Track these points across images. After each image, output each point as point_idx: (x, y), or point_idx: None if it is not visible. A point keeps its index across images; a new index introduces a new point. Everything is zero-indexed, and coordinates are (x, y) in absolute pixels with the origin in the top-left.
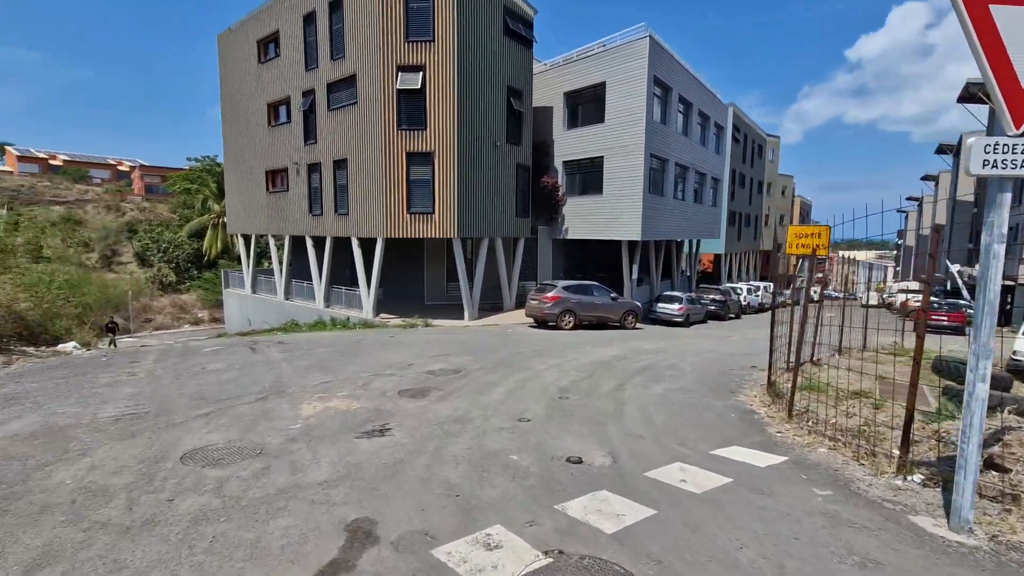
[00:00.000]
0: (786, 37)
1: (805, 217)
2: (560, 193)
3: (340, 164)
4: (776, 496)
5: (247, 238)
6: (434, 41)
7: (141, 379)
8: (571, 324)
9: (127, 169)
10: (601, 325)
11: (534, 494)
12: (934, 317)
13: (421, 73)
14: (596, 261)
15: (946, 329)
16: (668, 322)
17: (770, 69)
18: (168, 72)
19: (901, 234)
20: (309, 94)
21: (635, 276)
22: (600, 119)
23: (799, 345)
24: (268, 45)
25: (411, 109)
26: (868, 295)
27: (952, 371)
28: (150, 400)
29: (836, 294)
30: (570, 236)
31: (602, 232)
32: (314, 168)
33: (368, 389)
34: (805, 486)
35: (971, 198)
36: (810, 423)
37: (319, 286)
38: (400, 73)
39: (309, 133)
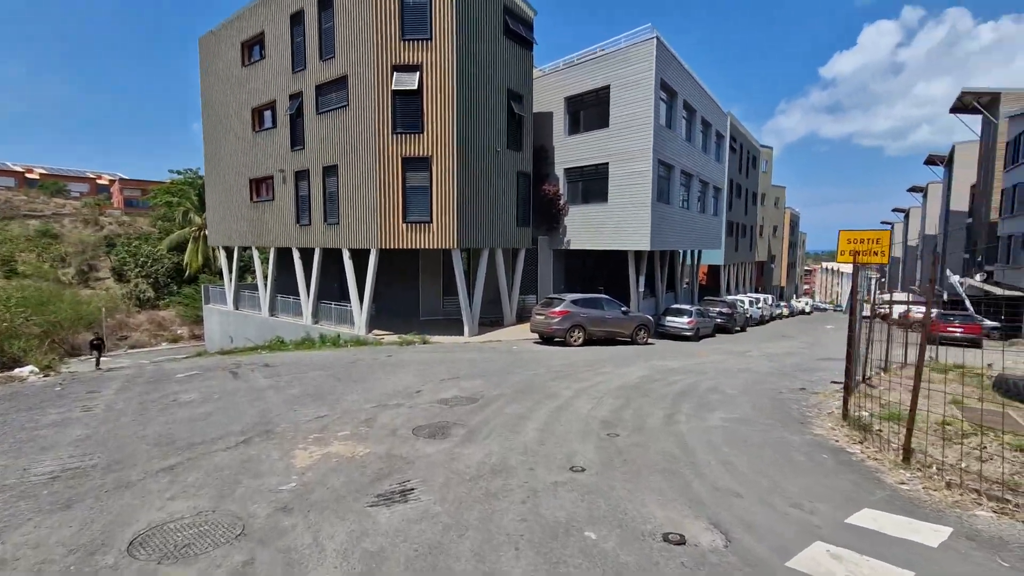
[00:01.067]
0: (763, 55)
1: (794, 228)
2: (562, 202)
3: (330, 171)
4: None
5: (229, 251)
6: (431, 40)
7: (97, 415)
8: (580, 340)
9: (107, 183)
10: (610, 340)
11: None
12: (948, 329)
13: (418, 73)
14: (597, 273)
15: (962, 342)
16: (677, 336)
17: (748, 86)
18: (150, 86)
19: None
20: (296, 97)
21: (642, 288)
22: (604, 124)
23: (860, 363)
24: (252, 47)
25: (407, 112)
26: (863, 306)
27: (1019, 390)
28: (102, 446)
29: (824, 305)
30: (573, 247)
31: (608, 242)
32: (302, 175)
33: (375, 426)
34: None
35: (965, 208)
36: (935, 469)
37: (307, 301)
38: (395, 73)
39: (296, 138)
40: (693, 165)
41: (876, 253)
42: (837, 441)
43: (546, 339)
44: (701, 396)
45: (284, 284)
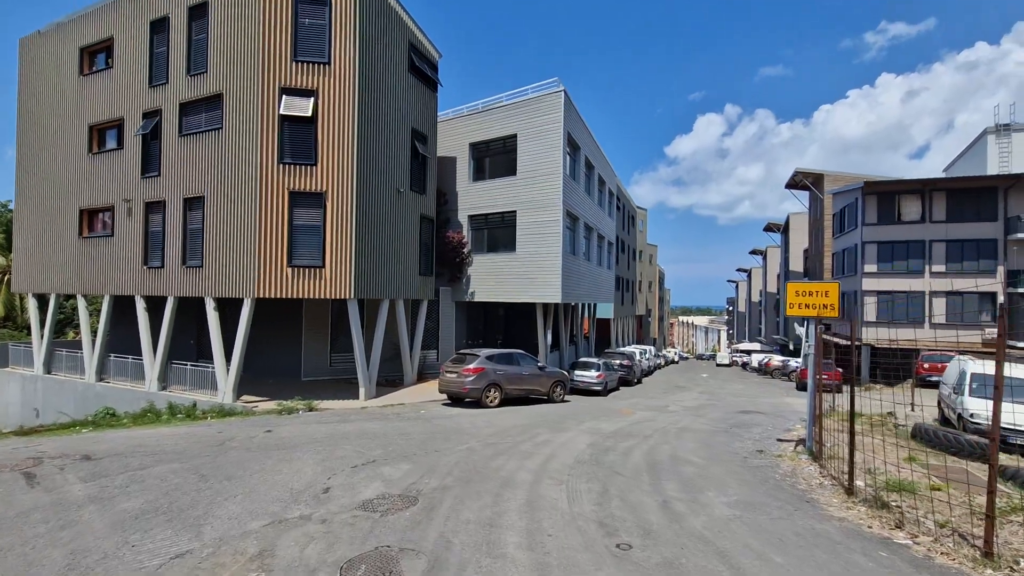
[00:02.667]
0: (620, 131)
1: (661, 284)
2: (466, 250)
3: (194, 203)
4: None
5: (43, 298)
6: (330, 64)
7: None
8: (497, 400)
9: None
10: (525, 399)
11: None
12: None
13: (312, 99)
14: (498, 326)
15: (827, 388)
16: (587, 391)
17: (609, 156)
18: None
19: (731, 301)
20: (153, 115)
21: (549, 341)
22: (512, 172)
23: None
24: (96, 54)
25: (298, 140)
26: (719, 355)
27: (937, 439)
28: None
29: (686, 355)
30: (478, 298)
31: (516, 294)
32: (155, 207)
33: (274, 571)
34: None
35: (801, 268)
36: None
37: (152, 362)
38: (285, 96)
39: (150, 163)
40: (593, 218)
41: (826, 306)
42: (871, 528)
43: (455, 400)
44: (673, 469)
45: (120, 341)
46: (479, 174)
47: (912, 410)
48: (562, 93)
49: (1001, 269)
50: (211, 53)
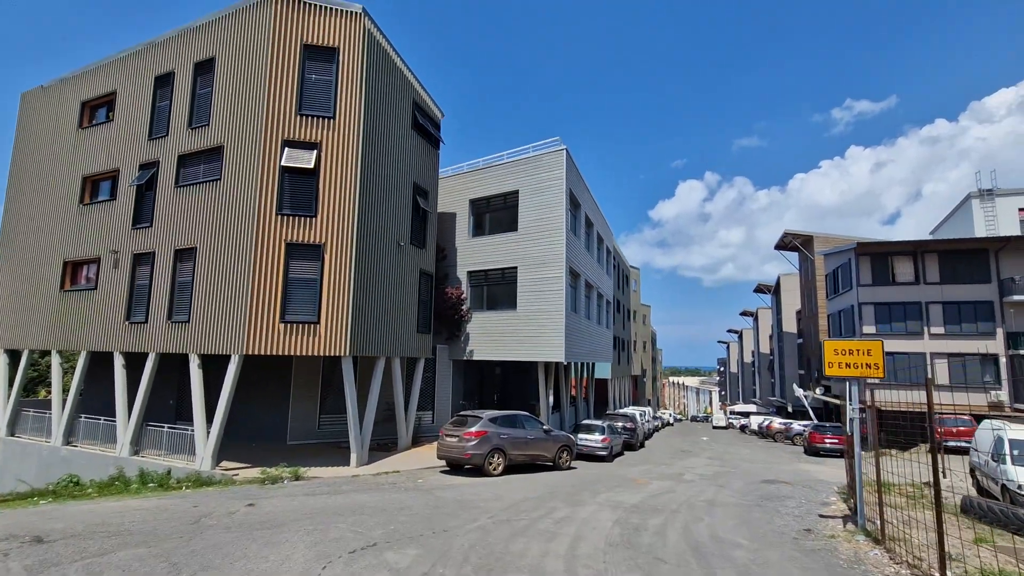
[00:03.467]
0: (607, 196)
1: (654, 344)
2: (465, 307)
3: (185, 255)
4: None
5: (15, 355)
6: (335, 118)
7: None
8: (501, 467)
9: None
10: (530, 465)
11: None
12: (827, 440)
13: (315, 152)
14: (495, 385)
15: (834, 452)
16: (591, 456)
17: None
18: None
19: (722, 362)
20: (150, 167)
21: (551, 402)
22: (512, 228)
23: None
24: (98, 108)
25: (298, 192)
26: (715, 416)
27: (992, 513)
28: None
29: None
30: (477, 356)
31: (517, 352)
32: (143, 259)
33: None
34: None
35: (794, 330)
36: None
37: (126, 424)
38: (287, 149)
39: (143, 214)
40: (593, 276)
41: (869, 366)
42: None
43: (456, 467)
44: (721, 554)
45: (92, 401)
46: (479, 230)
47: (944, 477)
48: (564, 151)
49: (1000, 331)
50: (214, 106)
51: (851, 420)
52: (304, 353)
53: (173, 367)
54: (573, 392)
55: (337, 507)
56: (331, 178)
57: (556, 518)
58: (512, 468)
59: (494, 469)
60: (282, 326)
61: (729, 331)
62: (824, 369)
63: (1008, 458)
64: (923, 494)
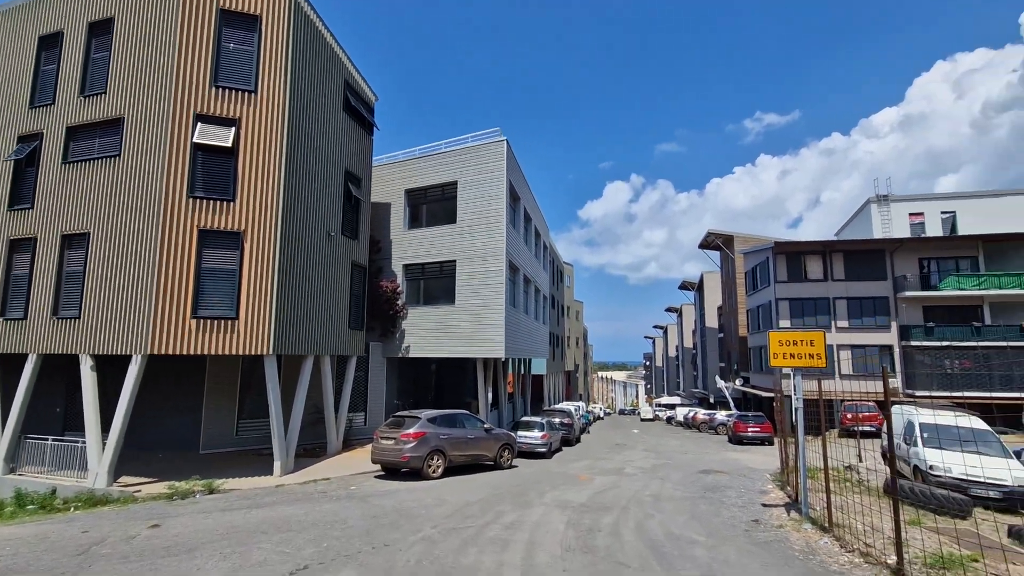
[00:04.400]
0: (539, 194)
1: (585, 340)
2: (400, 302)
3: (74, 241)
4: None
5: None
6: (256, 93)
7: None
8: (440, 470)
9: None
10: (471, 467)
11: None
12: (750, 429)
13: (234, 129)
14: (430, 384)
15: (756, 440)
16: (531, 453)
17: None
18: None
19: (648, 357)
20: (32, 139)
21: (490, 400)
22: (451, 220)
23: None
24: None
25: (214, 172)
26: (643, 409)
27: (914, 495)
28: None
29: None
30: (413, 353)
31: (456, 349)
32: (21, 246)
33: None
34: None
35: (716, 325)
36: None
37: (1, 434)
38: (200, 124)
39: (21, 194)
40: (531, 270)
41: (812, 356)
42: None
43: (392, 471)
44: (681, 553)
45: None
46: (415, 222)
47: (860, 461)
48: (504, 142)
49: (894, 325)
50: (112, 73)
51: (796, 409)
52: (220, 352)
53: (60, 370)
54: (510, 389)
55: (260, 523)
56: (252, 159)
57: (505, 523)
58: (453, 470)
59: (434, 472)
60: (194, 322)
61: (655, 327)
62: (769, 360)
63: (919, 440)
64: (847, 478)
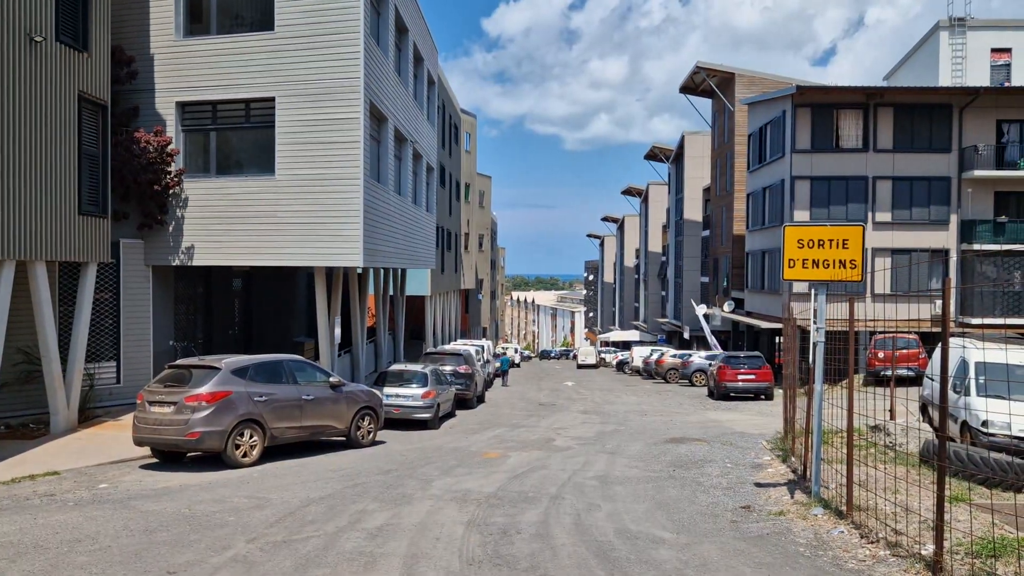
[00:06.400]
0: None
1: (494, 241)
2: (173, 168)
3: None
4: None
5: None
6: None
7: None
8: (258, 451)
9: None
10: (309, 445)
11: None
12: (740, 377)
13: None
14: (233, 310)
15: (748, 393)
16: (405, 420)
17: None
18: None
19: (592, 267)
20: None
21: (338, 338)
22: (266, 24)
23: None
24: None
25: None
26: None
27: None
28: None
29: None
30: (199, 260)
31: (274, 251)
32: None
33: None
34: None
35: (699, 216)
36: None
37: None
38: None
39: None
40: (408, 122)
41: (846, 264)
42: None
43: (172, 456)
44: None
45: None
46: (197, 23)
47: (891, 419)
48: None
49: (954, 218)
50: None
51: (815, 345)
52: None
53: None
54: (372, 320)
55: None
56: None
57: (371, 528)
58: (277, 451)
59: (245, 456)
60: None
61: (604, 219)
62: (783, 271)
63: (973, 386)
64: (872, 442)
